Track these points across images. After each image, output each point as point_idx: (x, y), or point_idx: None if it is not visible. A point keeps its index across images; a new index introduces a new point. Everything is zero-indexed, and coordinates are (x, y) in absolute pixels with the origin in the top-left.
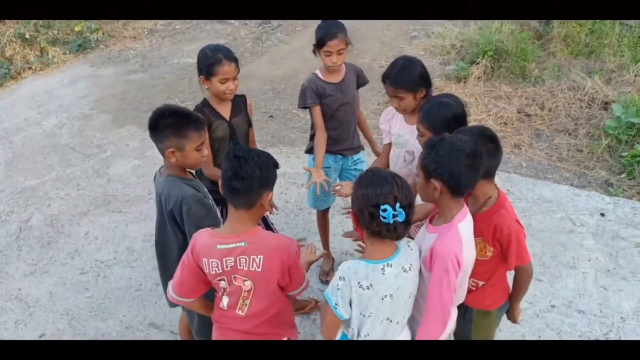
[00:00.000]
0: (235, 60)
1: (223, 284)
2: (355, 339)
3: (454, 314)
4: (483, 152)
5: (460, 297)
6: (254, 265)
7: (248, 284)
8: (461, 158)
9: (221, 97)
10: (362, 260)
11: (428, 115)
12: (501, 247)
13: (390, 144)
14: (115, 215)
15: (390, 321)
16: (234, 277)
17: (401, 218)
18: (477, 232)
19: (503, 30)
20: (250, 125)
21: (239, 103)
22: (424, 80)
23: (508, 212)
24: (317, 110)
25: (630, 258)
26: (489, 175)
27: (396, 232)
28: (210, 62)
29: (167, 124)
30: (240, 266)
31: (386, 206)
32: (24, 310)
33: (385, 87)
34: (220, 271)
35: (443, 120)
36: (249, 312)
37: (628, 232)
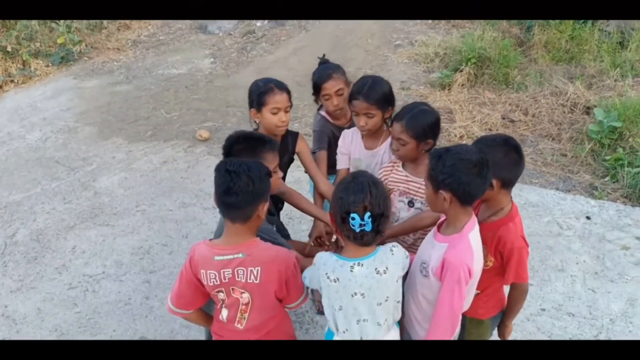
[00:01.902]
0: (287, 91)
1: (221, 295)
2: (336, 333)
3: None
4: (489, 160)
5: (466, 305)
6: (252, 277)
7: (245, 296)
8: (468, 167)
9: (273, 131)
10: (334, 254)
11: (412, 123)
12: (502, 259)
13: (347, 169)
14: (103, 229)
15: (367, 321)
16: (232, 289)
17: (368, 228)
18: (482, 241)
19: (485, 38)
20: (291, 161)
21: (288, 143)
22: (393, 99)
23: (516, 227)
24: (324, 155)
25: (617, 260)
26: (509, 185)
27: (362, 239)
28: (261, 91)
29: (243, 147)
30: (238, 278)
31: (354, 215)
32: (10, 327)
33: (356, 104)
34: (218, 283)
35: (427, 127)
36: (247, 325)
37: (614, 234)
